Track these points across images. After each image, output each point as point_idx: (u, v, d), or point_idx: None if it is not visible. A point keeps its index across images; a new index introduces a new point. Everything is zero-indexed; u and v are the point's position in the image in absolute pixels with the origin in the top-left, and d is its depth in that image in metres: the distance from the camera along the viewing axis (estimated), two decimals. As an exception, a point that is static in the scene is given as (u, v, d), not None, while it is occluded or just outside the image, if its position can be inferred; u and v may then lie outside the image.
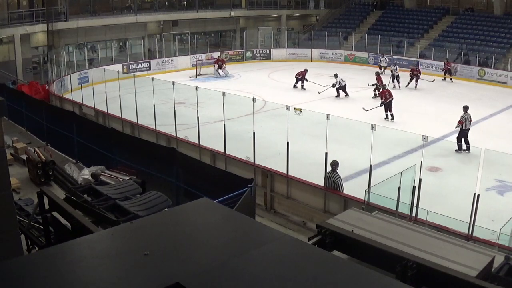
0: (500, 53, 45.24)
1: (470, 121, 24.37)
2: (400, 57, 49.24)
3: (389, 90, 30.49)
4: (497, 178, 19.76)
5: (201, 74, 45.54)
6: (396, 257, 4.70)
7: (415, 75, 39.76)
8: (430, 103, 34.11)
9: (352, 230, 5.56)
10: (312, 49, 54.89)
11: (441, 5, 56.74)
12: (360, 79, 42.83)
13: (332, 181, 16.87)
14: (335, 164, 16.97)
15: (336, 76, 36.02)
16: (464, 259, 5.29)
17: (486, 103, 33.99)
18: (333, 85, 35.80)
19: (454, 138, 24.32)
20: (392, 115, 29.33)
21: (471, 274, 4.87)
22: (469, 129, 24.10)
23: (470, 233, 13.89)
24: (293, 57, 55.04)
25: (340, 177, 17.01)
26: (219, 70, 45.54)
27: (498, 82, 41.61)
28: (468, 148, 23.02)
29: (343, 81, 35.77)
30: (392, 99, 29.47)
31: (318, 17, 65.91)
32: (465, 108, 24.37)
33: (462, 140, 23.58)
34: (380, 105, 29.89)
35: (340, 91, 36.03)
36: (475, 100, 35.03)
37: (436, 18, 54.52)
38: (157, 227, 4.30)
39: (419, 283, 4.48)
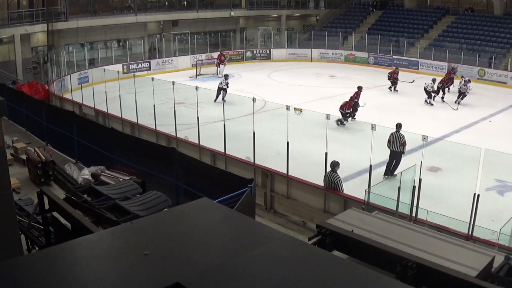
0: (500, 53, 45.26)
1: (402, 144, 20.08)
2: (400, 57, 49.34)
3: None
4: (497, 178, 19.77)
5: (201, 74, 45.56)
6: (396, 257, 4.69)
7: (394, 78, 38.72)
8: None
9: (352, 230, 5.56)
10: (312, 49, 54.87)
11: (441, 5, 56.78)
12: (360, 79, 42.87)
13: (332, 181, 16.89)
14: (335, 165, 16.99)
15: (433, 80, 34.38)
16: (464, 259, 5.28)
17: (486, 103, 33.99)
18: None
19: (454, 138, 24.33)
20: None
21: (471, 274, 4.86)
22: (395, 151, 20.22)
23: (470, 233, 13.92)
24: (293, 57, 55.07)
25: (339, 177, 17.03)
26: (222, 67, 45.60)
27: (498, 82, 41.61)
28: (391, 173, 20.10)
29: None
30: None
31: (318, 17, 65.93)
32: (397, 126, 20.48)
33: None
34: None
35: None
36: (475, 100, 35.03)
37: (436, 18, 54.55)
38: (157, 227, 4.30)
39: (419, 283, 4.47)
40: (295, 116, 18.10)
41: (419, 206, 15.05)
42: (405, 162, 18.87)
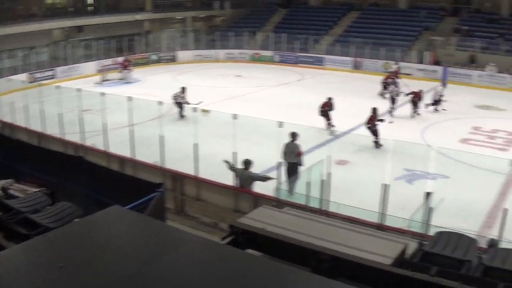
0: (405, 46, 46.33)
1: (296, 155, 18.83)
2: (305, 54, 49.92)
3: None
4: (405, 167, 20.21)
5: (107, 80, 44.90)
6: (310, 251, 4.76)
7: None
8: (338, 98, 34.52)
9: (264, 228, 5.60)
10: (218, 50, 55.00)
11: (346, 1, 57.69)
12: (266, 77, 43.26)
13: (248, 176, 16.94)
14: (248, 163, 17.06)
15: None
16: (377, 248, 5.40)
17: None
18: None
19: (362, 131, 24.69)
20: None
21: (386, 262, 4.98)
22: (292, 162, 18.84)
23: (381, 222, 14.17)
24: (199, 58, 54.90)
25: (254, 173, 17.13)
26: (126, 72, 45.21)
27: (404, 74, 42.31)
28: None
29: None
30: None
31: (223, 18, 65.97)
32: (292, 135, 18.91)
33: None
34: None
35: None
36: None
37: (341, 14, 55.54)
38: (70, 239, 4.25)
39: (335, 275, 4.54)
40: (203, 118, 18.07)
41: (331, 199, 15.21)
42: (314, 156, 19.01)
